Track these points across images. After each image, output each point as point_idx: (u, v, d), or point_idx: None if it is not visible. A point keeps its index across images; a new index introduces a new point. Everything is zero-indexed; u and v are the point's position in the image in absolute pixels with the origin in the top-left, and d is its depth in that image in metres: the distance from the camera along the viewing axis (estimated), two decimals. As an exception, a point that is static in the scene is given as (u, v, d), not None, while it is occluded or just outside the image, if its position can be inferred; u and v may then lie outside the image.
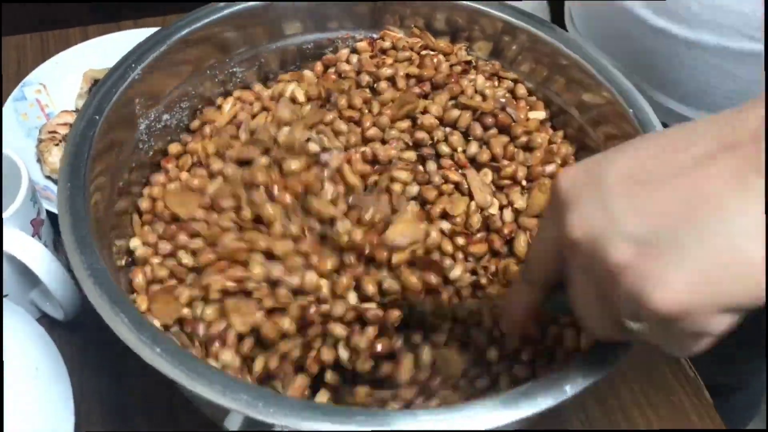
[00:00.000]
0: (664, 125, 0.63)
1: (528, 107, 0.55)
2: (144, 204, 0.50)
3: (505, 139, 0.52)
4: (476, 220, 0.49)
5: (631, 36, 0.62)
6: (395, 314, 0.44)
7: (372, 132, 0.53)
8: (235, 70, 0.57)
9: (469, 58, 0.57)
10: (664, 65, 0.62)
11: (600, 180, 0.30)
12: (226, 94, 0.57)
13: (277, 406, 0.35)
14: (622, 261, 0.29)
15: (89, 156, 0.45)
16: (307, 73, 0.58)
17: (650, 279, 0.28)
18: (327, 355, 0.44)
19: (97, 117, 0.47)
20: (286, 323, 0.43)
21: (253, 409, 0.35)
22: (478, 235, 0.49)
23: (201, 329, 0.44)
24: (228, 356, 0.43)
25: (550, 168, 0.51)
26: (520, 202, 0.50)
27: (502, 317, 0.41)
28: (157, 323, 0.44)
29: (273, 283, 0.44)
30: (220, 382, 0.36)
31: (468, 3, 0.56)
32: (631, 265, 0.28)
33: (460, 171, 0.51)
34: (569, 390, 0.36)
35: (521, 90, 0.56)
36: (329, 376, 0.44)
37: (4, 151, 0.55)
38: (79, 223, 0.42)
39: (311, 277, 0.44)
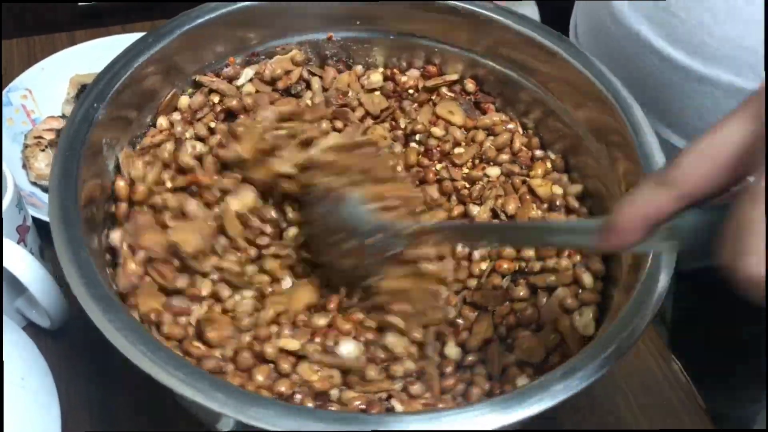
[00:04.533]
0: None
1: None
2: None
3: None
4: None
5: (638, 63, 0.59)
6: None
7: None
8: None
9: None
10: (670, 97, 0.59)
11: None
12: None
13: (261, 408, 0.35)
14: None
15: (81, 160, 0.45)
16: None
17: None
18: None
19: (91, 114, 0.47)
20: None
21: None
22: None
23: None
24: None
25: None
26: None
27: (613, 219, 0.32)
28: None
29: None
30: (214, 386, 0.36)
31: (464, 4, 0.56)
32: None
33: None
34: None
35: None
36: None
37: (-10, 156, 0.54)
38: (70, 224, 0.42)
39: None
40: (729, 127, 0.28)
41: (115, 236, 0.47)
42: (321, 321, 0.46)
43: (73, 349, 0.54)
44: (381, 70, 0.60)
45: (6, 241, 0.49)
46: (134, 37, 0.54)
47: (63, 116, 0.69)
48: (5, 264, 0.48)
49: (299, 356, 0.44)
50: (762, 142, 0.26)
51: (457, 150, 0.56)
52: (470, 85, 0.59)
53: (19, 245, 0.51)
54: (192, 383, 0.36)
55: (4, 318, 0.51)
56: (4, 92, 0.69)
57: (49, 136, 0.65)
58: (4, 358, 0.46)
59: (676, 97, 0.58)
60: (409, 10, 0.57)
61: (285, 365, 0.43)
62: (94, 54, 0.72)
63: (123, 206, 0.48)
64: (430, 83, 0.59)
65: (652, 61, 0.58)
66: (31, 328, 0.55)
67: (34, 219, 0.56)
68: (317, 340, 0.45)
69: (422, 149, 0.56)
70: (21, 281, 0.49)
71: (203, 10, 0.53)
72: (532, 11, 0.81)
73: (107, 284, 0.40)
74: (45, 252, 0.57)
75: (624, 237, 0.31)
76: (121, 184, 0.48)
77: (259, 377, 0.43)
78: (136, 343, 0.37)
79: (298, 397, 0.42)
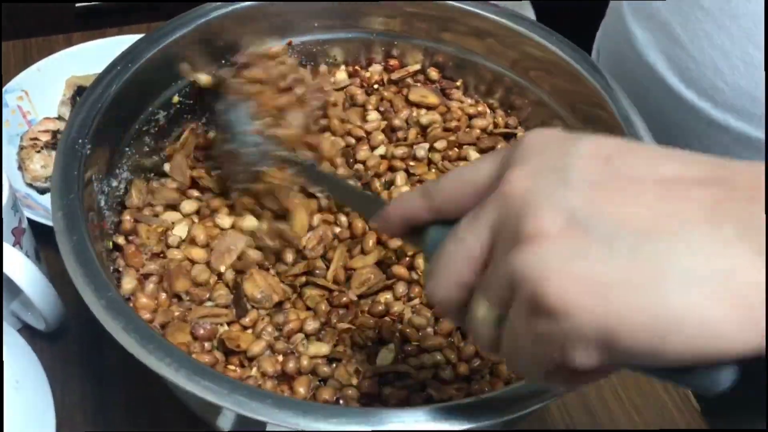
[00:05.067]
0: None
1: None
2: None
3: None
4: None
5: (652, 97, 0.58)
6: None
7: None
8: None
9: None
10: (680, 136, 0.58)
11: (573, 147, 0.28)
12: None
13: (271, 406, 0.35)
14: (544, 228, 0.26)
15: (82, 163, 0.45)
16: None
17: (562, 258, 0.25)
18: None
19: (78, 150, 0.46)
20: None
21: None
22: None
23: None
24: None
25: None
26: None
27: (379, 214, 0.37)
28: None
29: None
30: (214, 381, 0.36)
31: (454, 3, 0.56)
32: (551, 236, 0.25)
33: None
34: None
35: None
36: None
37: (-15, 159, 0.54)
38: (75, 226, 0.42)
39: None
40: (484, 162, 0.31)
41: (128, 286, 0.47)
42: (343, 324, 0.47)
43: (69, 351, 0.54)
44: (344, 67, 0.61)
45: (2, 244, 0.49)
46: (131, 38, 0.54)
47: (59, 117, 0.69)
48: (2, 267, 0.49)
49: (331, 359, 0.46)
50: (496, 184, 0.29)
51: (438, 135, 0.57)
52: (433, 73, 0.60)
53: (15, 247, 0.51)
54: (195, 379, 0.36)
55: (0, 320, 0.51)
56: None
57: (45, 138, 0.65)
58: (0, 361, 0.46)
59: (687, 138, 0.57)
60: (365, 6, 0.58)
61: (324, 369, 0.45)
62: (90, 55, 0.72)
63: (131, 247, 0.49)
64: (395, 76, 0.60)
65: (664, 98, 0.57)
66: (26, 331, 0.55)
67: (30, 221, 0.56)
68: (346, 341, 0.46)
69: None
70: (17, 284, 0.49)
71: (165, 30, 0.53)
72: (529, 14, 0.81)
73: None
74: (40, 254, 0.57)
75: (387, 227, 0.36)
76: (127, 218, 0.50)
77: (301, 389, 0.44)
78: (139, 339, 0.37)
79: (341, 402, 0.43)
